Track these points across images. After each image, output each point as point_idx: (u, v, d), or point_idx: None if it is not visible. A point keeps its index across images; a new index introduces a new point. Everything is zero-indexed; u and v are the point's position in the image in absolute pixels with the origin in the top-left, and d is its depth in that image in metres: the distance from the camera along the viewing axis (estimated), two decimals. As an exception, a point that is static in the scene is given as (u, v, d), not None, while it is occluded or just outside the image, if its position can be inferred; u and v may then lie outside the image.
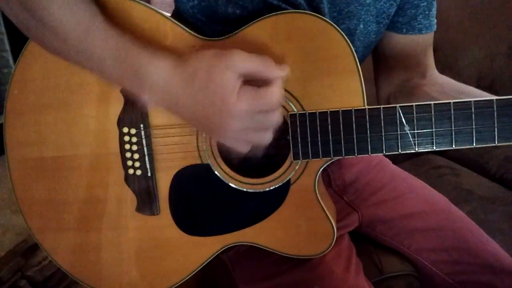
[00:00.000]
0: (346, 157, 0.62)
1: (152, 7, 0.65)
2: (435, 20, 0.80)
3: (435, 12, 0.80)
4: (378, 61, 0.85)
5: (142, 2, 0.64)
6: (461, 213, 0.89)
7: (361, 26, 0.71)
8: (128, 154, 0.68)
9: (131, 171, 0.68)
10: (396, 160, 1.52)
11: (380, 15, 0.72)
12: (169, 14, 0.67)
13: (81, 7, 0.58)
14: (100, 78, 0.62)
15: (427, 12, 0.77)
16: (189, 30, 0.64)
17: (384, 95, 0.85)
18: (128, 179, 0.68)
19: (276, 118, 0.56)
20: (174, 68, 0.55)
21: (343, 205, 0.85)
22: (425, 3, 0.76)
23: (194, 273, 0.70)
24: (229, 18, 0.65)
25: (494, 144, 0.58)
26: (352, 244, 0.80)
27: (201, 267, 0.69)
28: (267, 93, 0.53)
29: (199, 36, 0.64)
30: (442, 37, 1.66)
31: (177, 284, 0.70)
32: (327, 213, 0.65)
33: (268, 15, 0.61)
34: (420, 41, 0.80)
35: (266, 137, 0.57)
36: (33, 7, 0.56)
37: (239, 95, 0.52)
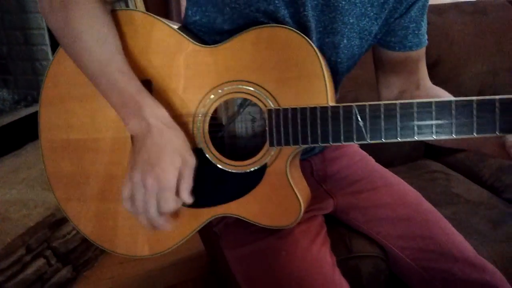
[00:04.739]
0: (312, 145, 0.75)
1: (164, 20, 0.80)
2: (426, 36, 0.91)
3: (426, 29, 0.91)
4: (378, 73, 0.98)
5: (157, 17, 0.79)
6: (431, 207, 0.99)
7: (345, 41, 0.83)
8: (137, 138, 0.82)
9: (138, 151, 0.83)
10: (393, 163, 1.63)
11: (362, 32, 0.84)
12: (177, 26, 0.82)
13: (107, 40, 0.74)
14: (101, 94, 0.78)
15: (416, 32, 0.88)
16: (191, 39, 0.79)
17: None
18: None
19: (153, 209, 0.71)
20: (167, 121, 0.74)
21: (321, 192, 0.97)
22: (414, 24, 0.87)
23: (186, 238, 0.83)
24: (223, 32, 0.79)
25: (432, 138, 0.70)
26: (324, 225, 0.92)
27: (192, 233, 0.83)
28: (168, 194, 0.70)
29: (198, 44, 0.79)
30: (445, 51, 1.73)
31: (172, 248, 0.84)
32: (296, 192, 0.77)
33: (253, 27, 0.75)
34: (412, 56, 0.92)
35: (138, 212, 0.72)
36: (70, 31, 0.73)
37: (168, 170, 0.69)
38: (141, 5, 2.47)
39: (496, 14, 1.85)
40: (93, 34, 0.72)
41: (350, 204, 0.98)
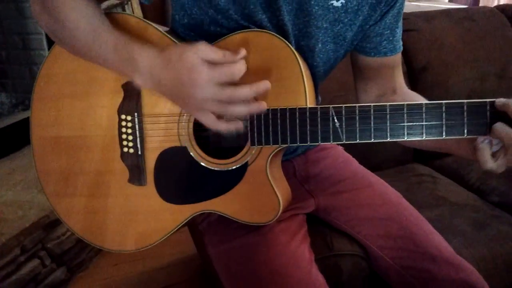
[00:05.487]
0: (291, 144, 0.78)
1: (153, 24, 0.84)
2: (400, 43, 0.95)
3: (400, 36, 0.94)
4: (356, 79, 1.00)
5: (147, 21, 0.82)
6: (411, 207, 1.01)
7: (320, 45, 0.86)
8: (124, 136, 0.85)
9: (125, 149, 0.86)
10: (382, 167, 1.66)
11: (337, 37, 0.87)
12: (166, 28, 0.86)
13: (93, 16, 0.77)
14: (105, 67, 0.79)
15: (391, 38, 0.92)
16: (179, 42, 0.82)
17: None
18: (123, 156, 0.86)
19: (238, 94, 0.68)
20: (157, 55, 0.72)
21: (302, 192, 1.00)
22: (388, 31, 0.91)
23: (170, 234, 0.86)
24: (211, 34, 0.82)
25: (403, 139, 0.73)
26: (304, 223, 0.95)
27: (176, 229, 0.86)
28: (225, 66, 0.67)
29: None
30: (434, 57, 1.76)
31: (157, 242, 0.87)
32: (275, 189, 0.80)
33: (238, 31, 0.79)
34: (387, 62, 0.95)
35: (229, 110, 0.69)
36: (58, 16, 0.76)
37: (202, 70, 0.67)
38: (138, 11, 2.51)
39: (484, 20, 1.88)
40: (80, 11, 0.76)
41: (331, 204, 1.01)
